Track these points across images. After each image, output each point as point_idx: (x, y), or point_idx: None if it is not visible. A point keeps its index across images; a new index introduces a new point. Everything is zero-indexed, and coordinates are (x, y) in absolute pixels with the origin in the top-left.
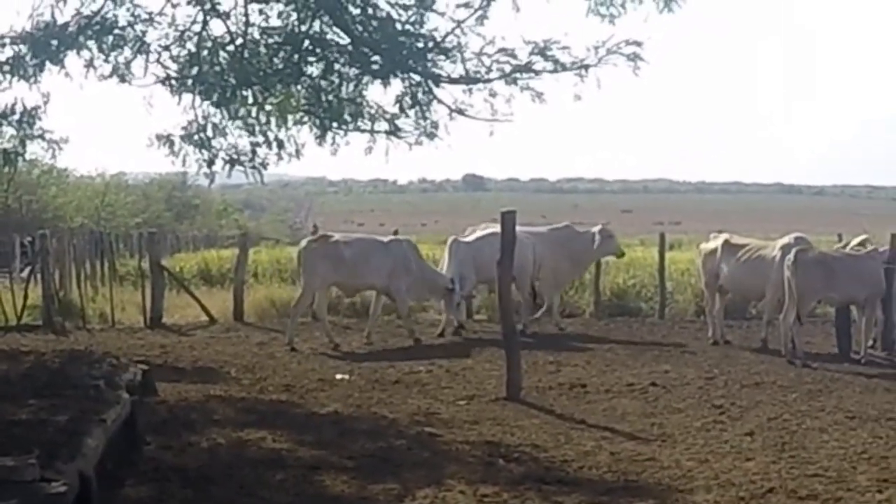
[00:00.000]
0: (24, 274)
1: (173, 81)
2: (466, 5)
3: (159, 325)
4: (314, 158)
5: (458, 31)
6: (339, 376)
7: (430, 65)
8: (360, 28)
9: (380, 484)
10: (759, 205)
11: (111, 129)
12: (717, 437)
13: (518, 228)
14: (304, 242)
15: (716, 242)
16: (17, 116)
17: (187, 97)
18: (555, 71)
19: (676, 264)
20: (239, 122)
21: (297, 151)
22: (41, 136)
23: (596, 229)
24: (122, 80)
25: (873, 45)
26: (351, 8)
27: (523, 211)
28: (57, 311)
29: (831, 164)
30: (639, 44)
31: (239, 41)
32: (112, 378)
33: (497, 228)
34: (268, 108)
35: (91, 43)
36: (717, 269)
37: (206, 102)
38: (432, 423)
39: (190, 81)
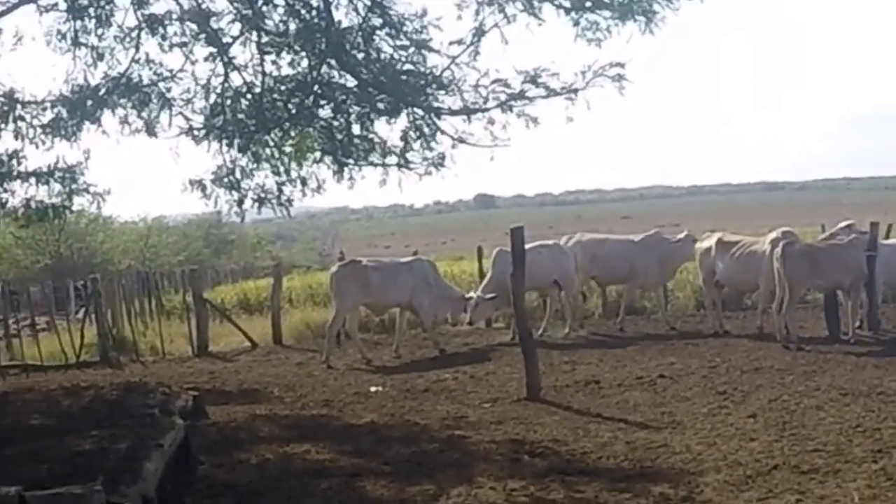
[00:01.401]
0: (80, 315)
1: (196, 132)
2: (459, 42)
3: (206, 354)
4: (336, 190)
5: (454, 66)
6: (373, 388)
7: (430, 99)
8: (365, 70)
9: (416, 486)
10: (748, 203)
11: (150, 177)
12: (722, 420)
13: (611, 237)
14: (334, 268)
15: (710, 241)
16: (61, 174)
17: (215, 144)
18: (547, 96)
19: None
20: (265, 164)
21: (319, 187)
22: (86, 190)
23: (681, 235)
24: (150, 133)
25: (853, 43)
26: (355, 53)
27: (531, 224)
28: (112, 346)
29: (813, 160)
30: (622, 65)
31: (256, 90)
32: (166, 405)
33: (545, 242)
34: (287, 149)
35: (123, 101)
36: (712, 266)
37: (230, 149)
38: (461, 426)
39: (214, 130)
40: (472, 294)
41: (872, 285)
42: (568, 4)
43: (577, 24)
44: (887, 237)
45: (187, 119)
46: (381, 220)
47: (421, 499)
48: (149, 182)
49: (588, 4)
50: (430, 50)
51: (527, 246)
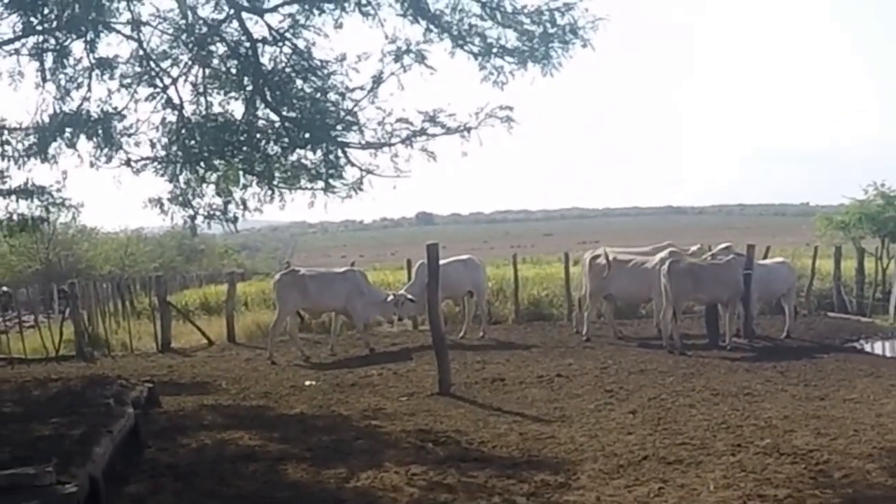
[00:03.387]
0: (64, 315)
1: (133, 164)
2: (361, 88)
3: (168, 350)
4: (293, 207)
5: (363, 106)
6: (307, 382)
7: (340, 135)
8: (285, 109)
9: (331, 469)
10: (654, 224)
11: (127, 193)
12: (606, 416)
13: (626, 251)
14: (276, 276)
15: (604, 258)
16: (39, 191)
17: (150, 174)
18: (444, 134)
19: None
20: (211, 186)
21: (258, 207)
22: (62, 204)
23: (695, 248)
24: (91, 165)
25: (756, 87)
26: (278, 93)
27: (466, 239)
28: (87, 343)
29: (712, 188)
30: (510, 108)
31: (190, 126)
32: (121, 396)
33: (460, 257)
34: (213, 178)
35: (75, 134)
36: (604, 280)
37: (171, 178)
38: (378, 417)
39: (151, 162)
40: (391, 295)
41: (748, 299)
42: (476, 51)
43: (484, 67)
44: (765, 258)
45: (126, 153)
46: (335, 233)
47: (334, 481)
48: (127, 197)
49: (494, 51)
50: (339, 93)
51: (446, 260)
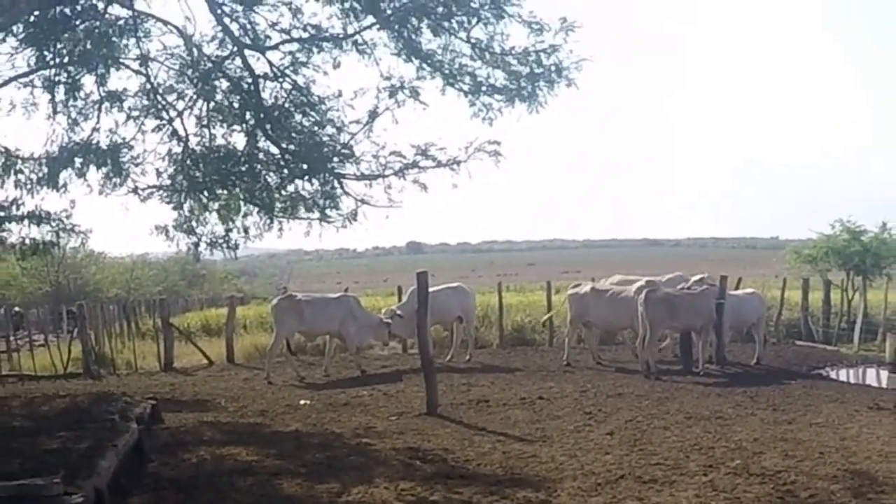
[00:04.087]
0: (72, 335)
1: (140, 192)
2: (357, 122)
3: (171, 369)
4: (291, 236)
5: (358, 140)
6: (302, 402)
7: (336, 167)
8: (285, 142)
9: (324, 484)
10: (631, 255)
11: (134, 220)
12: (585, 436)
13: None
14: (274, 301)
15: (585, 288)
16: (50, 217)
17: (156, 202)
18: (435, 167)
19: (564, 304)
20: (213, 215)
21: (259, 235)
22: (71, 230)
23: (696, 278)
24: (100, 193)
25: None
26: (278, 128)
27: (453, 267)
28: (93, 361)
29: (686, 222)
30: (498, 143)
31: (194, 157)
32: (125, 412)
33: (450, 284)
34: (214, 207)
35: (85, 163)
36: (585, 309)
37: (176, 206)
38: (369, 435)
39: (157, 191)
40: (384, 316)
41: (720, 328)
42: (466, 89)
43: (473, 104)
44: (737, 288)
45: (134, 181)
46: (330, 260)
47: (327, 495)
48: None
49: (483, 89)
50: (336, 127)
51: (436, 288)
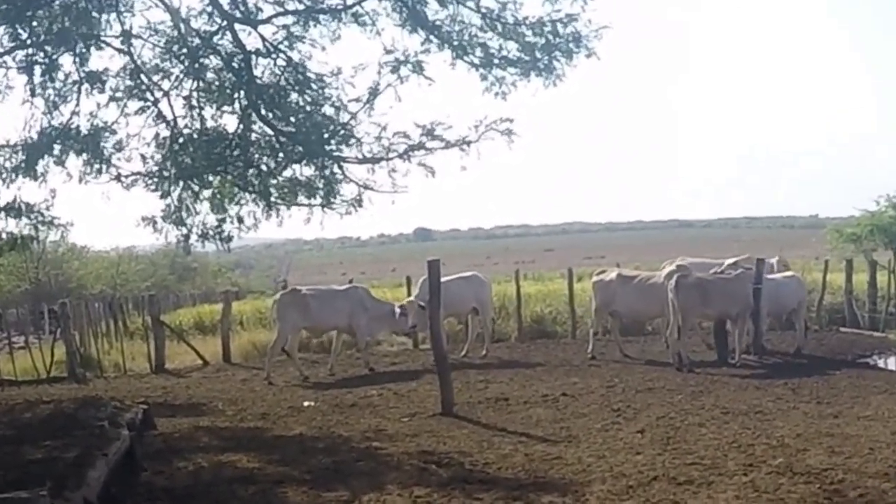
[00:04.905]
0: (55, 335)
1: (123, 179)
2: (357, 100)
3: (163, 370)
4: (291, 224)
5: (359, 120)
6: (306, 403)
7: (334, 151)
8: (280, 123)
9: (332, 492)
10: (659, 238)
11: (119, 210)
12: (613, 435)
13: (697, 261)
14: (277, 295)
15: (611, 275)
16: (28, 209)
17: (140, 190)
18: (443, 148)
19: (586, 293)
20: (205, 203)
21: (255, 224)
22: (51, 223)
23: (773, 260)
24: (80, 181)
25: (752, 84)
26: (273, 108)
27: (466, 255)
28: (78, 364)
29: (719, 201)
30: (511, 120)
31: (181, 141)
32: (115, 418)
33: (464, 273)
34: (206, 195)
35: (63, 149)
36: (611, 298)
37: (163, 194)
38: (379, 438)
39: (142, 178)
40: (397, 307)
41: (758, 315)
42: (477, 62)
43: (485, 78)
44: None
45: (116, 168)
46: (331, 250)
47: None
48: (117, 215)
49: (496, 62)
50: (335, 106)
51: (449, 277)
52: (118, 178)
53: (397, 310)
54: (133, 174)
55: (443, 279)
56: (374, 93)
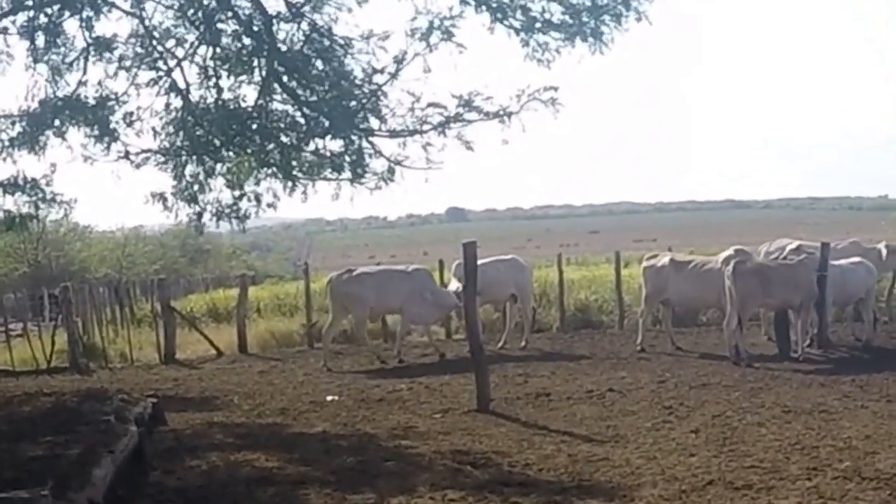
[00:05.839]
0: (56, 322)
1: (132, 157)
2: (383, 71)
3: (173, 361)
4: (312, 202)
5: (387, 89)
6: (329, 398)
7: (362, 124)
8: (303, 93)
9: (358, 495)
10: (715, 220)
11: (126, 187)
12: (665, 435)
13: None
14: (332, 275)
15: (663, 260)
16: (27, 185)
17: (152, 167)
18: (482, 119)
19: (635, 279)
20: (220, 179)
21: (275, 202)
22: (52, 200)
23: (882, 245)
24: (86, 160)
25: (814, 67)
26: (296, 76)
27: (503, 237)
28: (81, 353)
29: (777, 181)
30: (555, 89)
31: (196, 113)
32: (122, 413)
33: (502, 257)
34: (221, 170)
35: (69, 122)
36: (663, 285)
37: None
38: (409, 436)
39: (153, 154)
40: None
41: (823, 305)
42: (518, 26)
43: (526, 44)
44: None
45: (125, 144)
46: (356, 231)
47: None
48: (124, 193)
49: (538, 26)
50: (365, 75)
51: (485, 260)
52: (126, 155)
53: (459, 304)
54: (143, 151)
55: (479, 262)
56: (400, 61)
